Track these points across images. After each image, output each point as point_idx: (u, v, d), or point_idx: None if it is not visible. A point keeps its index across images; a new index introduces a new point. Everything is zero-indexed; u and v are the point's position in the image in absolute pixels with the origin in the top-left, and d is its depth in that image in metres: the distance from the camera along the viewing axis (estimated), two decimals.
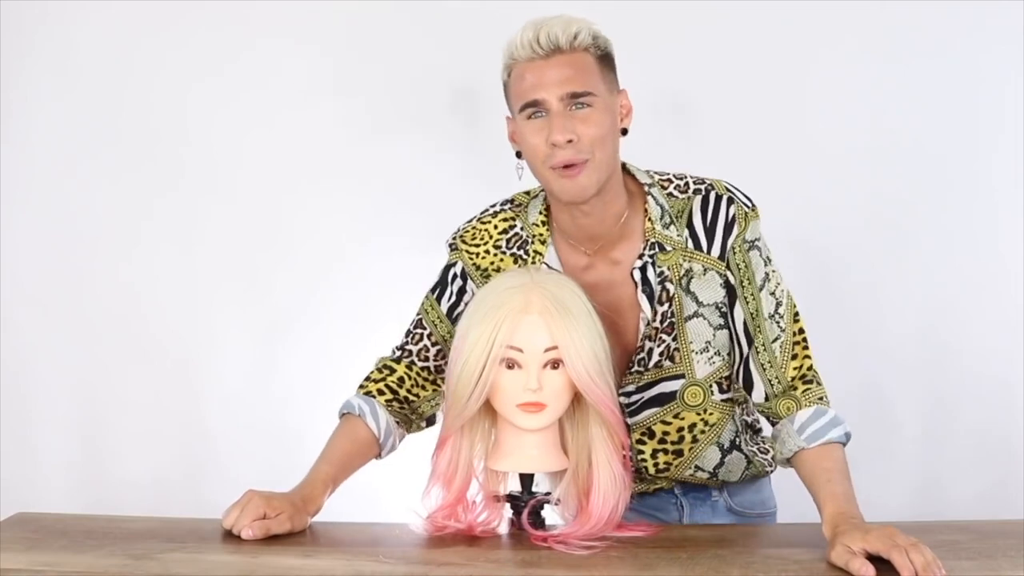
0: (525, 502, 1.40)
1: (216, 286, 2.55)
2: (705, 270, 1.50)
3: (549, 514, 1.43)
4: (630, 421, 1.55)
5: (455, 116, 2.52)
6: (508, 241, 1.56)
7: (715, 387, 1.55)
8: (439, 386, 1.60)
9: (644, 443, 1.57)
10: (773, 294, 1.50)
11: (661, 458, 1.58)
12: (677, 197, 1.51)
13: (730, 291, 1.51)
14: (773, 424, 1.50)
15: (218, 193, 2.54)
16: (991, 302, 2.46)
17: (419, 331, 1.60)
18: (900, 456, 2.48)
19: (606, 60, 1.46)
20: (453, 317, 1.57)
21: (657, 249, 1.50)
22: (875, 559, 1.19)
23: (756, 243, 1.50)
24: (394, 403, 1.55)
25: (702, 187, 1.52)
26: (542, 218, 1.55)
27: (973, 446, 2.48)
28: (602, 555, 1.29)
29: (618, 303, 1.50)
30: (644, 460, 1.58)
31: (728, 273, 1.50)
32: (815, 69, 2.46)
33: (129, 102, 2.54)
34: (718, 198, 1.50)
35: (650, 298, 1.49)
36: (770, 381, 1.49)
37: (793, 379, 1.49)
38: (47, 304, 2.56)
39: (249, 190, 2.54)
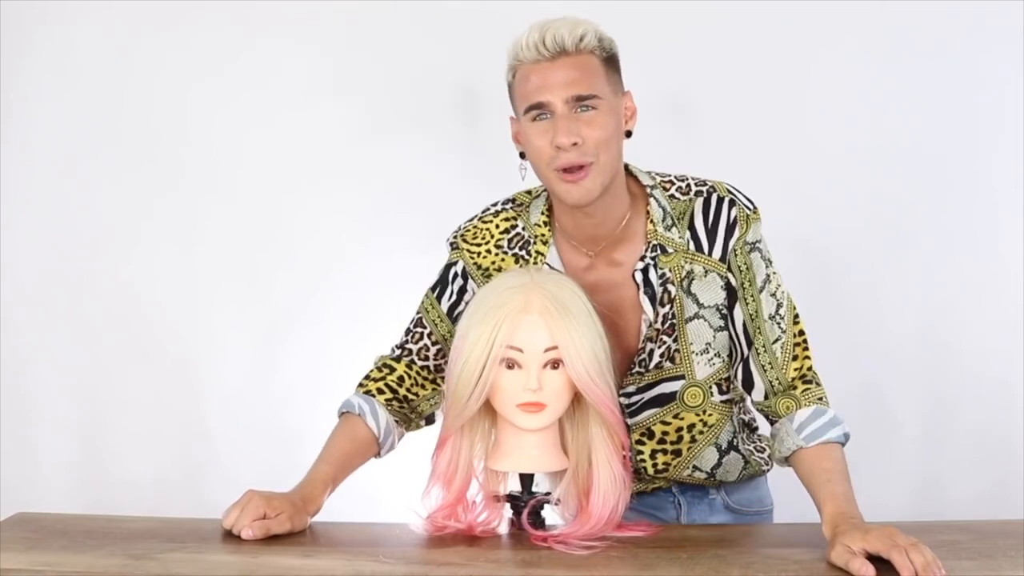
0: (525, 502, 1.40)
1: (216, 286, 2.55)
2: (706, 272, 1.50)
3: (549, 514, 1.43)
4: (630, 422, 1.55)
5: (455, 116, 2.52)
6: (510, 241, 1.56)
7: (715, 388, 1.55)
8: (439, 385, 1.60)
9: (643, 443, 1.57)
10: (774, 295, 1.50)
11: (660, 458, 1.58)
12: (679, 199, 1.51)
13: (730, 293, 1.51)
14: (772, 423, 1.50)
15: (218, 193, 2.54)
16: (991, 302, 2.46)
17: (419, 330, 1.60)
18: (900, 456, 2.48)
19: (611, 62, 1.45)
20: (453, 316, 1.57)
21: (659, 251, 1.49)
22: (875, 559, 1.19)
23: (757, 245, 1.51)
24: (394, 402, 1.55)
25: (704, 189, 1.52)
26: (544, 218, 1.55)
27: (973, 446, 2.48)
28: (602, 555, 1.29)
29: (619, 304, 1.50)
30: (643, 461, 1.58)
31: (729, 275, 1.50)
32: (815, 69, 2.46)
33: (129, 102, 2.54)
34: (720, 200, 1.50)
35: (652, 300, 1.49)
36: (771, 382, 1.49)
37: (793, 379, 1.49)
38: (47, 304, 2.56)
39: (249, 190, 2.54)
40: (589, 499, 1.38)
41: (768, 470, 1.68)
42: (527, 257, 1.54)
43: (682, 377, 1.53)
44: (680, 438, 1.57)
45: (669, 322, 1.50)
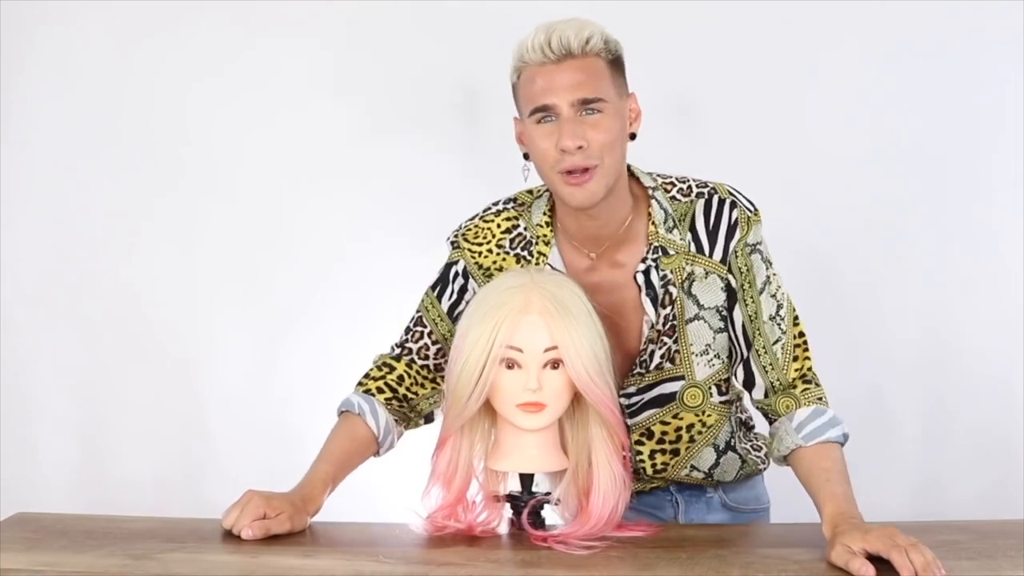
0: (525, 502, 1.40)
1: (216, 286, 2.55)
2: (707, 273, 1.50)
3: (549, 514, 1.43)
4: (630, 422, 1.55)
5: (455, 116, 2.52)
6: (512, 241, 1.56)
7: (714, 389, 1.56)
8: (438, 384, 1.60)
9: (642, 444, 1.57)
10: (774, 296, 1.51)
11: (659, 459, 1.58)
12: (680, 200, 1.51)
13: (730, 294, 1.51)
14: (771, 422, 1.50)
15: (218, 193, 2.54)
16: (991, 302, 2.46)
17: (419, 329, 1.59)
18: (900, 456, 2.48)
19: (617, 64, 1.45)
20: (454, 316, 1.56)
21: (660, 253, 1.49)
22: (875, 559, 1.19)
23: (758, 247, 1.51)
24: (393, 401, 1.55)
25: (705, 190, 1.52)
26: (546, 219, 1.55)
27: (973, 446, 2.48)
28: (602, 555, 1.29)
29: (621, 305, 1.50)
30: (642, 461, 1.58)
31: (729, 276, 1.50)
32: (814, 69, 2.46)
33: (129, 102, 2.54)
34: (721, 202, 1.50)
35: (654, 301, 1.49)
36: (771, 383, 1.50)
37: (793, 380, 1.49)
38: (47, 304, 2.56)
39: (249, 190, 2.54)
40: (589, 499, 1.38)
41: (764, 469, 1.68)
42: (529, 257, 1.54)
43: (682, 378, 1.53)
44: (679, 438, 1.57)
45: (670, 323, 1.50)
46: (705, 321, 1.51)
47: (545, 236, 1.54)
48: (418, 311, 1.60)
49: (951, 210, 2.46)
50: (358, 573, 1.22)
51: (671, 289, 1.49)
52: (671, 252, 1.49)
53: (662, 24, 2.44)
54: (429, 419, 1.61)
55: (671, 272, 1.49)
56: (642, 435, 1.57)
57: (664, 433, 1.57)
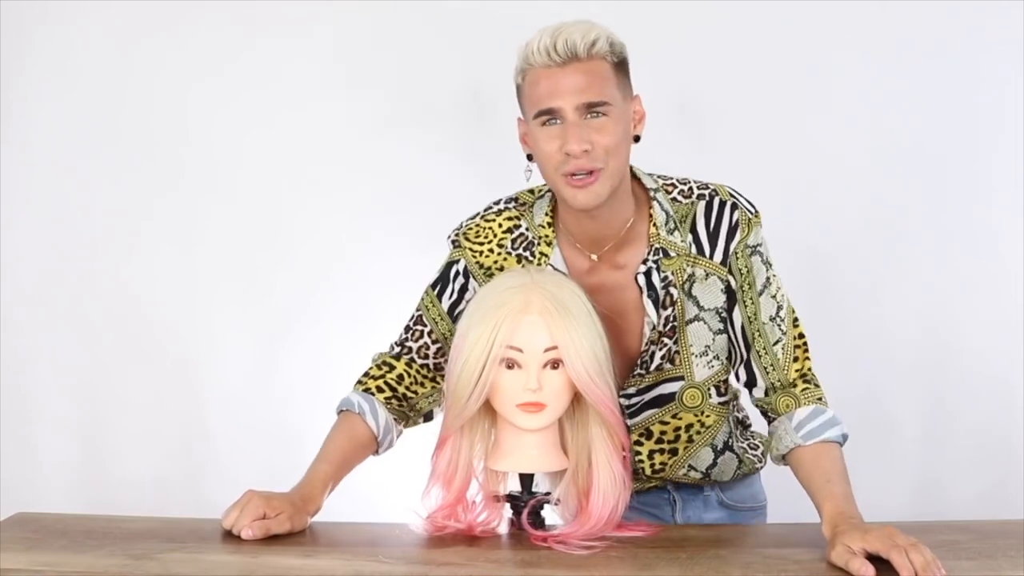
0: (525, 502, 1.40)
1: (216, 286, 2.55)
2: (707, 275, 1.50)
3: (549, 514, 1.43)
4: (629, 423, 1.55)
5: (455, 116, 2.52)
6: (513, 241, 1.55)
7: (713, 390, 1.56)
8: (438, 383, 1.59)
9: (641, 444, 1.58)
10: (774, 297, 1.51)
11: (657, 458, 1.58)
12: (681, 202, 1.51)
13: (730, 296, 1.51)
14: (770, 421, 1.50)
15: (218, 193, 2.55)
16: (991, 302, 2.46)
17: (419, 328, 1.59)
18: (900, 456, 2.49)
19: (622, 67, 1.44)
20: (454, 315, 1.56)
21: (661, 254, 1.49)
22: (875, 559, 1.19)
23: (758, 248, 1.51)
24: (393, 400, 1.55)
25: (706, 192, 1.52)
26: (548, 219, 1.54)
27: (973, 446, 2.48)
28: (602, 555, 1.29)
29: (621, 306, 1.50)
30: (641, 461, 1.59)
31: (729, 277, 1.50)
32: (815, 69, 2.46)
33: (129, 102, 2.54)
34: (722, 203, 1.50)
35: (655, 303, 1.49)
36: (771, 383, 1.50)
37: (794, 380, 1.49)
38: (47, 304, 2.56)
39: (249, 190, 2.54)
40: (589, 499, 1.38)
41: (761, 467, 1.68)
42: (531, 258, 1.54)
43: (681, 378, 1.54)
44: (677, 438, 1.57)
45: (670, 324, 1.50)
46: (705, 322, 1.51)
47: (547, 237, 1.54)
48: (418, 310, 1.60)
49: (951, 210, 2.46)
50: (358, 573, 1.22)
51: (672, 290, 1.49)
52: (672, 254, 1.49)
53: (662, 24, 2.44)
54: (428, 418, 1.61)
55: (672, 274, 1.49)
56: (641, 435, 1.57)
57: (663, 433, 1.57)
